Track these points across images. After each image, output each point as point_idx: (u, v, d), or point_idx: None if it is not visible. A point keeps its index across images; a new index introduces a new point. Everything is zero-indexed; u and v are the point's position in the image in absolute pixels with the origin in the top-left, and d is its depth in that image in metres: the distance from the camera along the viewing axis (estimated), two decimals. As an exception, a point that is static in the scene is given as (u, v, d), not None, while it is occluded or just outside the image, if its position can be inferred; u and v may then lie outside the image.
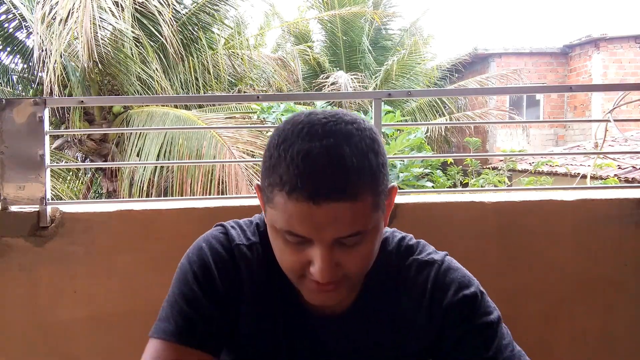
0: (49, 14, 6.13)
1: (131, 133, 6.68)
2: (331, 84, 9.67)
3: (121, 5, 6.45)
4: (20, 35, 7.50)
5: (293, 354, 0.84)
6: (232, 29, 9.12)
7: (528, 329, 1.58)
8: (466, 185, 7.85)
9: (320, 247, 0.68)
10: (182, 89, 7.55)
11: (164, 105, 6.79)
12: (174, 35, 6.85)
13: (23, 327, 1.48)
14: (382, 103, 1.63)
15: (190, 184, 5.99)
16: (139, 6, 6.83)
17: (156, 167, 6.27)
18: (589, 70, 11.26)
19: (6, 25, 7.37)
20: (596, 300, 1.60)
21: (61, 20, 6.01)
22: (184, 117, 6.45)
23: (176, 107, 6.79)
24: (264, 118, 7.12)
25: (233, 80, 8.66)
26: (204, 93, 7.71)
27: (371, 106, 1.62)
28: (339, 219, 0.66)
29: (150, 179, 6.23)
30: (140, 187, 6.16)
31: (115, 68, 6.89)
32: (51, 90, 6.05)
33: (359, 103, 9.38)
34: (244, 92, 8.38)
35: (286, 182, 0.66)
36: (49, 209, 1.47)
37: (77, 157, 7.64)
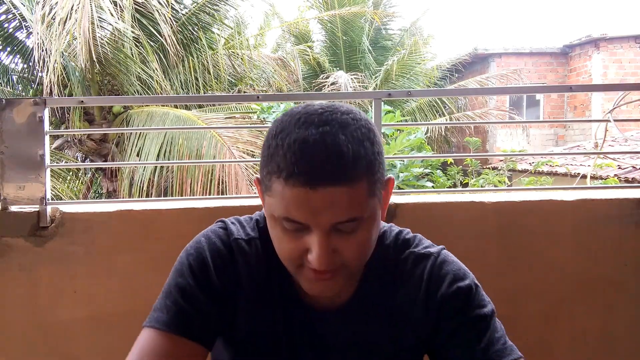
0: (48, 14, 6.13)
1: (131, 133, 6.68)
2: (331, 84, 9.67)
3: (121, 5, 6.45)
4: (20, 35, 7.51)
5: (292, 348, 0.84)
6: (232, 29, 9.12)
7: (528, 329, 1.58)
8: (466, 185, 7.86)
9: (317, 233, 0.69)
10: (182, 89, 7.56)
11: (164, 105, 6.80)
12: (174, 35, 6.86)
13: (23, 327, 1.47)
14: (382, 103, 1.63)
15: (190, 184, 5.99)
16: (139, 6, 6.83)
17: (156, 167, 6.27)
18: (589, 70, 11.26)
19: (6, 25, 7.37)
20: (596, 300, 1.60)
21: (61, 20, 6.01)
22: (184, 117, 6.45)
23: (176, 107, 6.79)
24: (264, 118, 7.13)
25: (233, 80, 8.66)
26: (204, 93, 7.71)
27: (371, 106, 1.62)
28: (335, 203, 0.67)
29: (150, 179, 6.24)
30: (140, 187, 6.16)
31: (115, 68, 6.90)
32: (51, 90, 6.05)
33: (359, 103, 9.38)
34: (244, 92, 8.38)
35: (283, 168, 0.67)
36: (49, 209, 1.47)
37: (77, 157, 7.64)
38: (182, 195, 5.95)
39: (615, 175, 6.30)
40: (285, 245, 0.73)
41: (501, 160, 8.44)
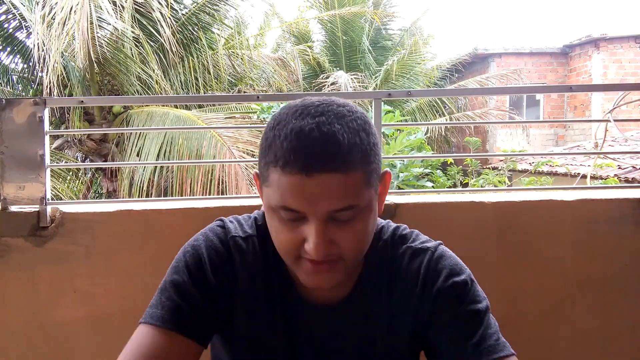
0: (48, 14, 6.13)
1: (131, 133, 6.68)
2: (331, 84, 9.67)
3: (121, 5, 6.45)
4: (20, 35, 7.51)
5: (292, 345, 0.84)
6: (232, 29, 9.12)
7: (528, 329, 1.58)
8: (466, 185, 7.86)
9: (314, 222, 0.70)
10: (182, 89, 7.56)
11: (164, 105, 6.80)
12: (174, 35, 6.85)
13: (23, 327, 1.47)
14: (382, 103, 1.63)
15: (190, 184, 5.99)
16: (139, 6, 6.83)
17: (156, 167, 6.27)
18: (589, 70, 11.26)
19: (6, 25, 7.37)
20: (596, 300, 1.60)
21: (61, 20, 6.01)
22: (184, 117, 6.45)
23: (176, 107, 6.79)
24: (264, 118, 7.13)
25: (233, 80, 8.66)
26: (204, 93, 7.71)
27: (371, 106, 1.62)
28: (331, 190, 0.68)
29: (150, 179, 6.24)
30: (140, 187, 6.17)
31: (115, 68, 6.90)
32: (51, 90, 6.05)
33: (359, 103, 9.38)
34: (244, 92, 8.38)
35: (280, 157, 0.68)
36: (49, 209, 1.47)
37: (77, 157, 7.64)
38: (182, 195, 5.95)
39: (615, 175, 6.30)
40: (282, 236, 0.74)
41: (501, 160, 8.44)
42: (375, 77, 10.81)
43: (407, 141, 5.88)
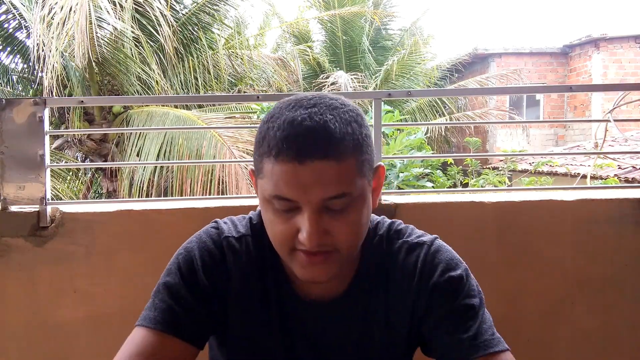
0: (48, 14, 6.13)
1: (131, 133, 6.68)
2: (331, 84, 9.67)
3: (120, 5, 6.45)
4: (20, 35, 7.51)
5: (288, 343, 0.84)
6: (232, 29, 9.12)
7: (528, 329, 1.58)
8: (466, 185, 7.85)
9: (307, 210, 0.70)
10: (182, 89, 7.55)
11: (164, 105, 6.80)
12: (173, 35, 6.85)
13: (23, 327, 1.48)
14: (382, 103, 1.63)
15: (190, 184, 5.99)
16: (139, 6, 6.82)
17: (156, 167, 6.27)
18: (589, 70, 11.26)
19: (6, 25, 7.37)
20: (596, 300, 1.60)
21: (60, 20, 6.01)
22: (184, 117, 6.45)
23: (176, 107, 6.79)
24: (263, 118, 7.10)
25: (233, 80, 8.66)
26: (204, 93, 7.71)
27: (371, 106, 1.62)
28: (324, 178, 0.68)
29: (150, 179, 6.24)
30: (140, 187, 6.16)
31: (114, 68, 6.89)
32: (51, 90, 6.05)
33: (358, 103, 9.38)
34: (244, 92, 8.37)
35: (273, 147, 0.69)
36: (49, 209, 1.47)
37: (77, 157, 7.64)
38: (182, 195, 5.95)
39: (615, 175, 6.30)
40: (277, 227, 0.74)
41: (501, 161, 8.44)
42: (375, 77, 10.81)
43: (407, 141, 5.88)
